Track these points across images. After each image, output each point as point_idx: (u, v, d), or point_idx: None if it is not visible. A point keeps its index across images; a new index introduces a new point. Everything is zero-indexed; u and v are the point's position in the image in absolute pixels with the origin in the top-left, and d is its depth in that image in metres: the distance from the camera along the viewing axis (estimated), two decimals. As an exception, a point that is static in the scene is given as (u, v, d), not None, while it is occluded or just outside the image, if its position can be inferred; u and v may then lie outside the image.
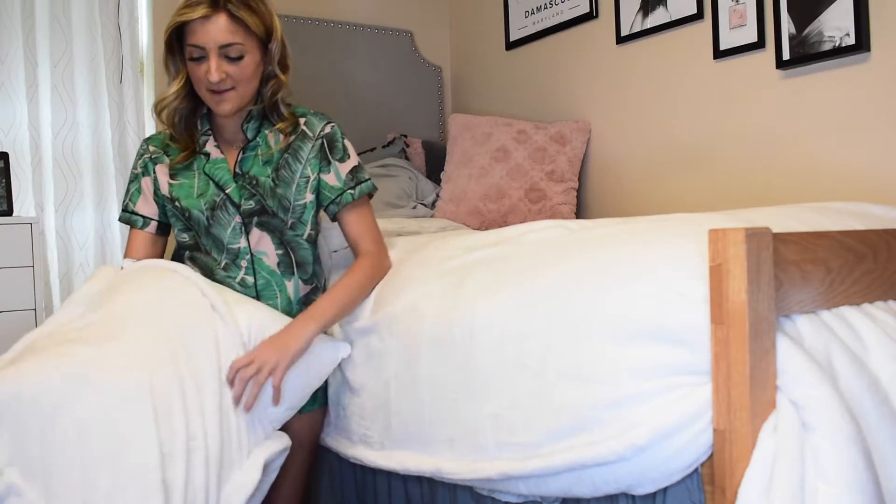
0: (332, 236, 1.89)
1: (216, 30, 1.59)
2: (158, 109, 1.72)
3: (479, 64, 3.35)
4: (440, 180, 2.82)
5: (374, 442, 1.60)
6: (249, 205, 1.70)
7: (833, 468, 1.03)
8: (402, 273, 1.67)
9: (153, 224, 1.77)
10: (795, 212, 1.45)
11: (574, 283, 1.28)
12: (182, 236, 1.75)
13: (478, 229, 2.57)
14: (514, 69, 3.15)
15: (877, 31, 1.94)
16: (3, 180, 2.28)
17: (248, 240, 1.70)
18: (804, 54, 2.07)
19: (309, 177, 1.73)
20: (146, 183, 1.77)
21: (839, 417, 1.06)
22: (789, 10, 2.10)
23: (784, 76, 2.16)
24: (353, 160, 1.78)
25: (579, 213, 2.79)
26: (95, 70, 2.68)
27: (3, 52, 2.54)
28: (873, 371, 1.18)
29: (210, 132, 1.75)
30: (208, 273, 1.70)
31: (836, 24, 1.99)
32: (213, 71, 1.60)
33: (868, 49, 1.95)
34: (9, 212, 2.28)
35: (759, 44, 2.20)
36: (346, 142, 1.78)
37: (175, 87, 1.68)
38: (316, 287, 1.79)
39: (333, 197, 1.74)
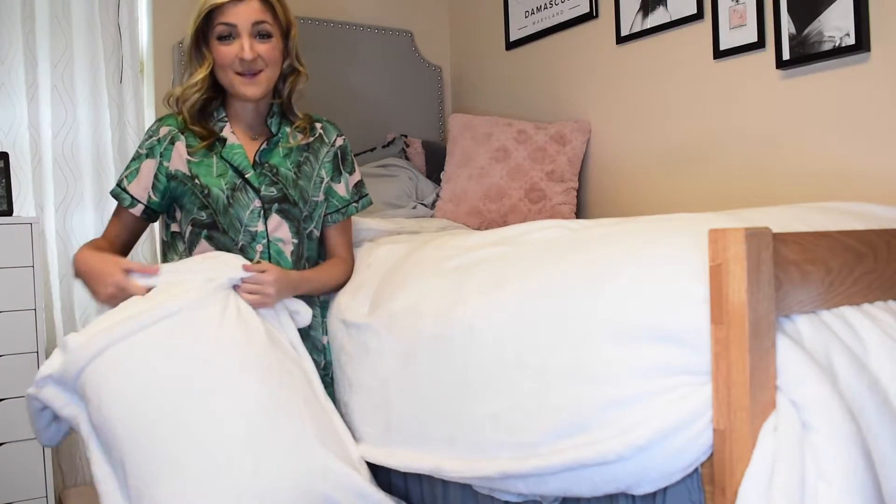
0: None
1: (249, 9, 1.67)
2: (182, 100, 1.75)
3: (479, 64, 3.35)
4: (440, 180, 2.82)
5: (376, 439, 1.60)
6: (271, 191, 1.75)
7: (833, 468, 1.03)
8: (401, 272, 1.67)
9: (139, 207, 1.77)
10: (795, 212, 1.45)
11: (574, 282, 1.28)
12: (199, 214, 1.73)
13: (478, 229, 2.56)
14: (514, 69, 3.15)
15: (877, 31, 1.94)
16: (3, 180, 2.28)
17: (265, 224, 1.73)
18: (804, 54, 2.07)
19: (323, 178, 1.83)
20: (148, 165, 1.76)
21: (839, 417, 1.06)
22: (789, 10, 2.10)
23: (784, 76, 2.16)
24: (358, 174, 1.91)
25: (579, 213, 2.79)
26: (95, 70, 2.68)
27: (3, 52, 2.54)
28: (873, 371, 1.18)
29: (226, 119, 1.79)
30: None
31: (836, 24, 1.99)
32: (247, 49, 1.66)
33: (868, 49, 1.95)
34: (9, 212, 2.28)
35: (759, 44, 2.20)
36: (352, 156, 1.91)
37: (201, 74, 1.72)
38: None
39: (340, 206, 1.85)
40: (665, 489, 1.19)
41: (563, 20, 2.87)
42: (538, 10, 2.99)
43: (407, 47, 3.36)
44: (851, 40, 1.96)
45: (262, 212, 1.73)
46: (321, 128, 1.86)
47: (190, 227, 1.75)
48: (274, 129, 1.80)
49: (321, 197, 1.82)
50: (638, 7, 2.57)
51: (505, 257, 1.47)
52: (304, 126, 1.82)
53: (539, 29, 2.99)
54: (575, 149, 2.73)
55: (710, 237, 1.08)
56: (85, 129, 2.66)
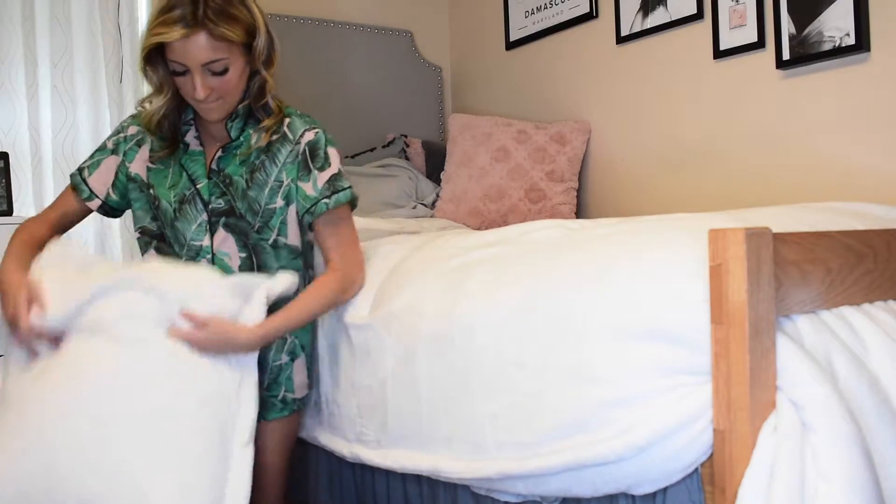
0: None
1: (197, 49, 1.51)
2: (145, 124, 1.67)
3: (479, 64, 3.35)
4: (440, 180, 2.83)
5: (370, 440, 1.60)
6: (219, 204, 1.65)
7: (833, 468, 1.03)
8: (401, 272, 1.67)
9: (96, 202, 1.72)
10: (795, 212, 1.46)
11: (574, 282, 1.28)
12: (151, 224, 1.69)
13: (478, 229, 2.57)
14: (514, 69, 3.15)
15: (877, 31, 1.94)
16: (3, 180, 2.28)
17: (211, 239, 1.65)
18: (804, 54, 2.07)
19: (283, 181, 1.66)
20: (110, 162, 1.71)
21: (839, 417, 1.06)
22: (789, 10, 2.10)
23: (784, 76, 2.16)
24: (334, 168, 1.68)
25: (579, 213, 2.79)
26: (95, 70, 2.68)
27: (3, 52, 2.54)
28: (873, 371, 1.18)
29: (192, 122, 1.69)
30: None
31: (836, 24, 1.99)
32: (199, 88, 1.54)
33: (868, 49, 1.95)
34: (9, 212, 2.28)
35: (759, 44, 2.20)
36: (330, 149, 1.69)
37: (160, 101, 1.63)
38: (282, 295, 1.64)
39: (308, 206, 1.66)
40: (665, 489, 1.19)
41: (563, 20, 2.87)
42: (538, 10, 2.99)
43: (407, 47, 3.36)
44: (851, 40, 1.96)
45: (208, 225, 1.65)
46: (287, 124, 1.67)
47: (139, 235, 1.72)
48: (234, 134, 1.67)
49: (279, 203, 1.66)
50: (638, 7, 2.57)
51: (505, 257, 1.47)
52: (272, 125, 1.65)
53: (539, 29, 2.99)
54: (575, 149, 2.73)
55: (710, 237, 1.08)
56: (85, 129, 2.67)
